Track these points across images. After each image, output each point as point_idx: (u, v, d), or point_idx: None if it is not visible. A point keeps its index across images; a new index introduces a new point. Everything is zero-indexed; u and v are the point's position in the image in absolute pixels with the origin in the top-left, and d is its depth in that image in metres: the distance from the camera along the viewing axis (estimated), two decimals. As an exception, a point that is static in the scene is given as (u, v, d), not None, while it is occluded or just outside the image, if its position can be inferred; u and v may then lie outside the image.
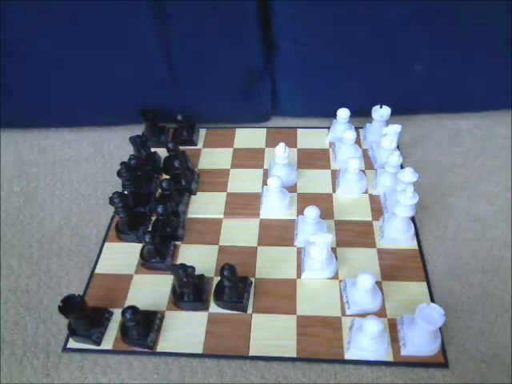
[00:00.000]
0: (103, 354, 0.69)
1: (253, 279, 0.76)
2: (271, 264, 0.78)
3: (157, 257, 0.77)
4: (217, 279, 0.74)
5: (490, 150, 0.98)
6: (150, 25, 0.90)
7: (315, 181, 0.92)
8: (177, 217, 0.83)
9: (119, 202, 0.78)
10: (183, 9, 0.89)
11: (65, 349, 0.70)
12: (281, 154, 0.86)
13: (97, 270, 0.80)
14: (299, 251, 0.80)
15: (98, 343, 0.69)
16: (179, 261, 0.78)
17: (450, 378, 0.64)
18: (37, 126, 1.11)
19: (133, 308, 0.66)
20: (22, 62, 0.97)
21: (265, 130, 1.06)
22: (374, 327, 0.62)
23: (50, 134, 1.10)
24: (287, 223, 0.84)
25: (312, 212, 0.77)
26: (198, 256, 0.80)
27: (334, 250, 0.79)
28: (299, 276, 0.76)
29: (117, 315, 0.72)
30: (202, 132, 1.06)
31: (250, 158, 0.98)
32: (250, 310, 0.72)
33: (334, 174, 0.93)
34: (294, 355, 0.67)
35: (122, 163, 0.86)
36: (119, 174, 0.85)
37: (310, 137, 1.02)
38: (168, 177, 0.90)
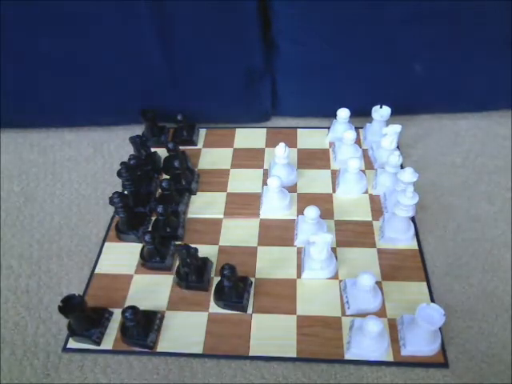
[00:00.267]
0: (103, 354, 0.69)
1: (253, 279, 0.76)
2: (271, 264, 0.78)
3: (157, 257, 0.77)
4: (217, 279, 0.74)
5: (490, 149, 0.98)
6: (149, 25, 0.90)
7: (315, 181, 0.92)
8: (177, 217, 0.83)
9: (119, 202, 0.78)
10: (183, 9, 0.89)
11: (65, 349, 0.70)
12: (281, 154, 0.86)
13: (97, 270, 0.80)
14: (299, 251, 0.80)
15: (98, 343, 0.69)
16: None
17: (449, 377, 0.64)
18: (37, 126, 1.11)
19: (133, 308, 0.66)
20: (21, 61, 0.97)
21: (265, 130, 1.06)
22: (374, 327, 0.62)
23: (49, 134, 1.10)
24: (287, 223, 0.84)
25: (312, 212, 0.77)
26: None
27: (333, 249, 0.79)
28: (299, 276, 0.76)
29: (117, 315, 0.72)
30: (202, 132, 1.06)
31: (249, 158, 0.98)
32: (250, 310, 0.72)
33: (334, 174, 0.93)
34: (294, 355, 0.67)
35: (122, 163, 0.86)
36: (119, 174, 0.85)
37: (310, 137, 1.02)
38: (168, 177, 0.90)
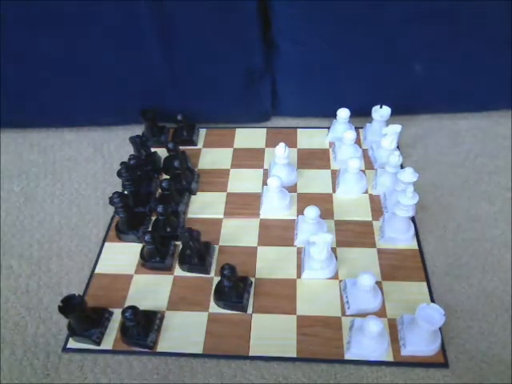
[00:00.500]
0: (103, 354, 0.69)
1: (253, 279, 0.76)
2: (271, 264, 0.78)
3: (157, 257, 0.77)
4: (217, 279, 0.74)
5: (490, 149, 0.98)
6: (150, 25, 0.90)
7: (315, 181, 0.92)
8: (177, 217, 0.83)
9: (119, 202, 0.78)
10: (183, 9, 0.89)
11: (65, 349, 0.70)
12: (281, 154, 0.86)
13: (97, 270, 0.80)
14: (299, 251, 0.80)
15: (98, 343, 0.69)
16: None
17: (449, 377, 0.64)
18: (37, 126, 1.11)
19: (133, 308, 0.66)
20: (21, 61, 0.97)
21: (265, 130, 1.06)
22: (374, 327, 0.62)
23: (49, 134, 1.10)
24: (287, 223, 0.84)
25: (312, 212, 0.77)
26: (198, 256, 0.79)
27: (333, 249, 0.79)
28: (299, 276, 0.76)
29: (117, 315, 0.72)
30: (202, 132, 1.06)
31: (250, 158, 0.98)
32: (250, 310, 0.72)
33: (334, 174, 0.93)
34: (294, 355, 0.67)
35: (122, 163, 0.86)
36: (119, 174, 0.85)
37: (310, 137, 1.02)
38: (168, 177, 0.90)
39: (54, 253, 0.84)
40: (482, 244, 0.81)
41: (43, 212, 0.92)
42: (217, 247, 0.81)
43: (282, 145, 0.87)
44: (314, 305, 0.72)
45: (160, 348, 0.69)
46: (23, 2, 0.87)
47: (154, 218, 0.85)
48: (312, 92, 1.03)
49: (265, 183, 0.90)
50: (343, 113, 0.95)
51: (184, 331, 0.70)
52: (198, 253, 0.76)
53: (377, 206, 0.86)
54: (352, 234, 0.82)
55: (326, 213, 0.84)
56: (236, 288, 0.71)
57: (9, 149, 1.07)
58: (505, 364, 0.66)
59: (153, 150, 0.97)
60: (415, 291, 0.73)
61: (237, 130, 1.06)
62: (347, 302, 0.71)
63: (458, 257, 0.79)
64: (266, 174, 0.93)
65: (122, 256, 0.81)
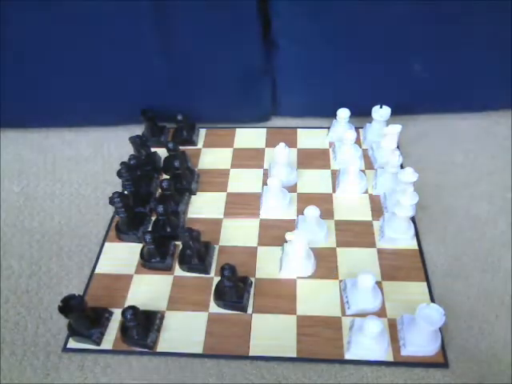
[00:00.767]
0: (103, 353, 0.69)
1: (253, 279, 0.76)
2: (271, 264, 0.78)
3: (157, 257, 0.77)
4: (217, 279, 0.74)
5: (490, 150, 0.98)
6: (150, 25, 0.90)
7: (315, 181, 0.92)
8: (177, 217, 0.83)
9: (119, 202, 0.78)
10: (183, 9, 0.88)
11: (65, 349, 0.70)
12: (281, 154, 0.86)
13: (97, 270, 0.80)
14: (299, 251, 0.80)
15: (98, 343, 0.69)
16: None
17: (449, 377, 0.64)
18: (37, 126, 1.11)
19: (133, 308, 0.66)
20: (21, 61, 0.96)
21: (265, 130, 1.06)
22: (374, 327, 0.62)
23: (49, 134, 1.10)
24: (287, 223, 0.84)
25: (312, 212, 0.77)
26: (198, 256, 0.79)
27: (333, 250, 0.79)
28: (299, 276, 0.76)
29: (117, 315, 0.72)
30: (202, 132, 1.06)
31: (250, 158, 0.98)
32: (250, 310, 0.72)
33: (334, 174, 0.93)
34: (294, 355, 0.67)
35: (122, 163, 0.86)
36: (119, 174, 0.85)
37: (310, 137, 1.02)
38: (168, 177, 0.90)
39: (54, 253, 0.84)
40: (482, 244, 0.81)
41: (43, 212, 0.92)
42: (217, 247, 0.81)
43: (281, 145, 0.87)
44: (313, 305, 0.72)
45: (160, 348, 0.69)
46: (23, 2, 0.87)
47: (153, 218, 0.85)
48: (312, 92, 1.03)
49: (265, 183, 0.90)
50: (343, 113, 0.95)
51: (184, 331, 0.70)
52: (197, 253, 0.76)
53: (377, 206, 0.86)
54: (352, 234, 0.82)
55: (326, 213, 0.84)
56: (236, 288, 0.71)
57: (9, 149, 1.07)
58: (505, 364, 0.66)
59: (153, 150, 0.97)
60: (415, 291, 0.73)
61: (237, 130, 1.06)
62: (347, 302, 0.71)
63: (457, 257, 0.79)
64: (266, 174, 0.93)
65: (122, 256, 0.81)
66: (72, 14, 0.89)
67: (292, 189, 0.90)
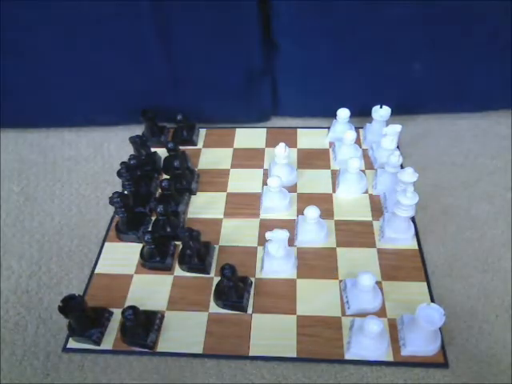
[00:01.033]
0: (103, 354, 0.69)
1: (253, 279, 0.76)
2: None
3: (157, 257, 0.77)
4: (217, 279, 0.74)
5: (490, 149, 0.98)
6: (150, 25, 0.90)
7: (315, 181, 0.92)
8: (177, 217, 0.83)
9: (119, 202, 0.78)
10: (183, 9, 0.89)
11: (65, 349, 0.70)
12: (281, 154, 0.86)
13: (97, 270, 0.80)
14: (299, 251, 0.80)
15: (98, 343, 0.69)
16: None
17: (449, 378, 0.64)
18: (37, 126, 1.11)
19: (133, 308, 0.66)
20: (21, 61, 0.96)
21: (265, 129, 1.06)
22: (374, 327, 0.62)
23: (49, 134, 1.10)
24: (287, 223, 0.84)
25: (312, 212, 0.77)
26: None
27: (333, 250, 0.79)
28: (299, 276, 0.76)
29: (117, 315, 0.72)
30: (202, 132, 1.06)
31: (250, 158, 0.98)
32: (250, 310, 0.72)
33: (334, 174, 0.93)
34: (294, 355, 0.67)
35: (122, 163, 0.86)
36: (119, 174, 0.85)
37: (310, 137, 1.02)
38: (168, 177, 0.90)
39: (54, 253, 0.84)
40: (482, 244, 0.81)
41: (43, 212, 0.92)
42: (217, 247, 0.81)
43: (281, 145, 0.87)
44: (313, 305, 0.72)
45: (160, 348, 0.69)
46: (23, 2, 0.87)
47: (153, 218, 0.85)
48: (312, 92, 1.03)
49: (265, 183, 0.90)
50: (343, 113, 0.95)
51: (184, 331, 0.70)
52: (197, 253, 0.76)
53: (377, 206, 0.86)
54: (352, 234, 0.82)
55: (326, 213, 0.84)
56: (236, 288, 0.71)
57: (9, 149, 1.07)
58: (505, 364, 0.66)
59: (153, 150, 0.97)
60: (415, 291, 0.73)
61: (237, 130, 1.06)
62: (347, 302, 0.71)
63: (457, 257, 0.79)
64: (266, 174, 0.93)
65: (122, 256, 0.81)
66: (72, 14, 0.89)
67: (292, 189, 0.90)
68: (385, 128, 0.89)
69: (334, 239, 0.81)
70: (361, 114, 1.00)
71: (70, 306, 0.66)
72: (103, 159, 1.03)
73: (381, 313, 0.70)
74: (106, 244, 0.84)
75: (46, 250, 0.85)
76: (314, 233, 0.79)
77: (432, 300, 0.72)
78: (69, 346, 0.70)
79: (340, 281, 0.75)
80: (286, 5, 0.90)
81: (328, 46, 0.94)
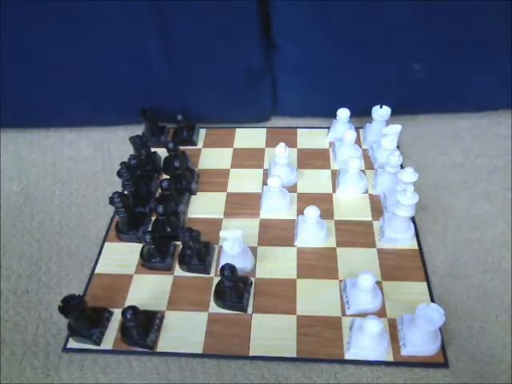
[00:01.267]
0: (103, 353, 0.69)
1: (253, 279, 0.76)
2: (271, 264, 0.78)
3: (157, 257, 0.77)
4: (217, 279, 0.74)
5: (490, 150, 0.98)
6: (150, 25, 0.90)
7: (315, 181, 0.92)
8: (177, 217, 0.83)
9: (119, 202, 0.78)
10: (183, 9, 0.89)
11: (65, 349, 0.70)
12: (281, 154, 0.86)
13: (97, 270, 0.80)
14: (299, 251, 0.80)
15: (98, 343, 0.69)
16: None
17: (449, 378, 0.64)
18: (37, 126, 1.11)
19: (133, 308, 0.66)
20: (21, 61, 0.96)
21: (265, 129, 1.06)
22: (374, 327, 0.62)
23: (49, 134, 1.10)
24: (287, 223, 0.84)
25: (312, 212, 0.77)
26: (198, 256, 0.79)
27: (333, 249, 0.79)
28: (299, 276, 0.76)
29: (117, 315, 0.72)
30: (202, 132, 1.06)
31: (249, 158, 0.98)
32: (250, 310, 0.72)
33: (334, 174, 0.93)
34: (294, 355, 0.67)
35: (122, 163, 0.86)
36: (119, 174, 0.85)
37: (310, 137, 1.02)
38: (168, 177, 0.90)
39: (54, 253, 0.84)
40: (482, 244, 0.81)
41: (43, 212, 0.92)
42: (217, 247, 0.81)
43: (281, 145, 0.87)
44: (314, 305, 0.72)
45: (160, 348, 0.69)
46: (23, 1, 0.87)
47: (153, 218, 0.85)
48: (312, 92, 1.03)
49: (265, 183, 0.90)
50: (343, 113, 0.95)
51: (184, 331, 0.70)
52: (197, 253, 0.76)
53: (377, 206, 0.86)
54: (352, 234, 0.82)
55: (326, 213, 0.84)
56: (236, 288, 0.71)
57: (9, 149, 1.07)
58: (505, 364, 0.66)
59: (153, 150, 0.97)
60: (415, 291, 0.73)
61: (237, 130, 1.06)
62: (347, 302, 0.71)
63: (457, 257, 0.79)
64: (266, 174, 0.93)
65: (122, 256, 0.81)
66: (72, 15, 0.89)
67: (292, 189, 0.90)
68: (385, 128, 0.89)
69: (333, 239, 0.81)
70: (361, 114, 1.00)
71: (70, 306, 0.66)
72: (103, 159, 1.03)
73: (381, 313, 0.70)
74: (106, 244, 0.84)
75: (45, 250, 0.85)
76: (314, 233, 0.79)
77: (432, 300, 0.72)
78: (69, 345, 0.70)
79: (340, 281, 0.75)
80: (285, 5, 0.90)
81: (328, 46, 0.94)
